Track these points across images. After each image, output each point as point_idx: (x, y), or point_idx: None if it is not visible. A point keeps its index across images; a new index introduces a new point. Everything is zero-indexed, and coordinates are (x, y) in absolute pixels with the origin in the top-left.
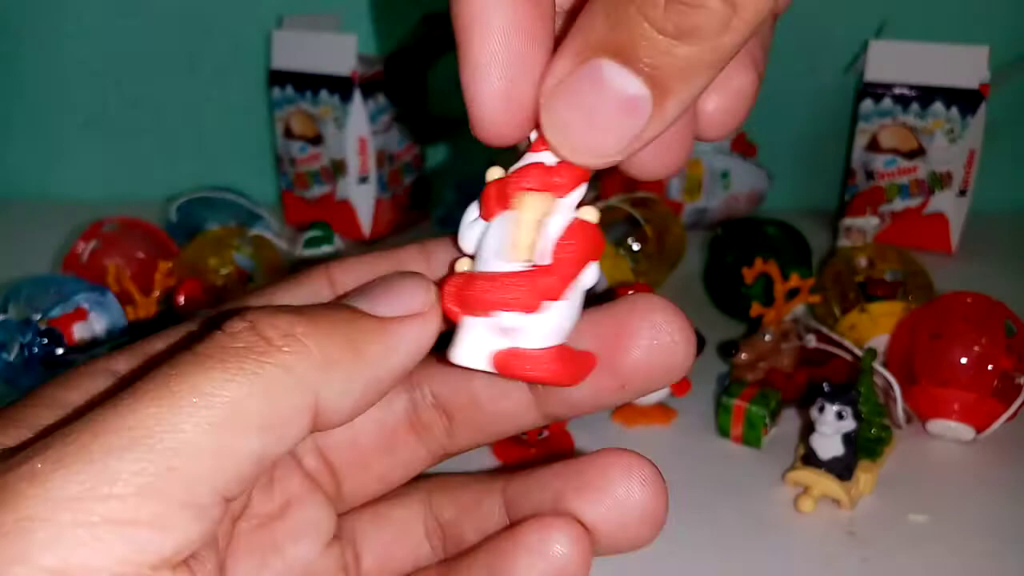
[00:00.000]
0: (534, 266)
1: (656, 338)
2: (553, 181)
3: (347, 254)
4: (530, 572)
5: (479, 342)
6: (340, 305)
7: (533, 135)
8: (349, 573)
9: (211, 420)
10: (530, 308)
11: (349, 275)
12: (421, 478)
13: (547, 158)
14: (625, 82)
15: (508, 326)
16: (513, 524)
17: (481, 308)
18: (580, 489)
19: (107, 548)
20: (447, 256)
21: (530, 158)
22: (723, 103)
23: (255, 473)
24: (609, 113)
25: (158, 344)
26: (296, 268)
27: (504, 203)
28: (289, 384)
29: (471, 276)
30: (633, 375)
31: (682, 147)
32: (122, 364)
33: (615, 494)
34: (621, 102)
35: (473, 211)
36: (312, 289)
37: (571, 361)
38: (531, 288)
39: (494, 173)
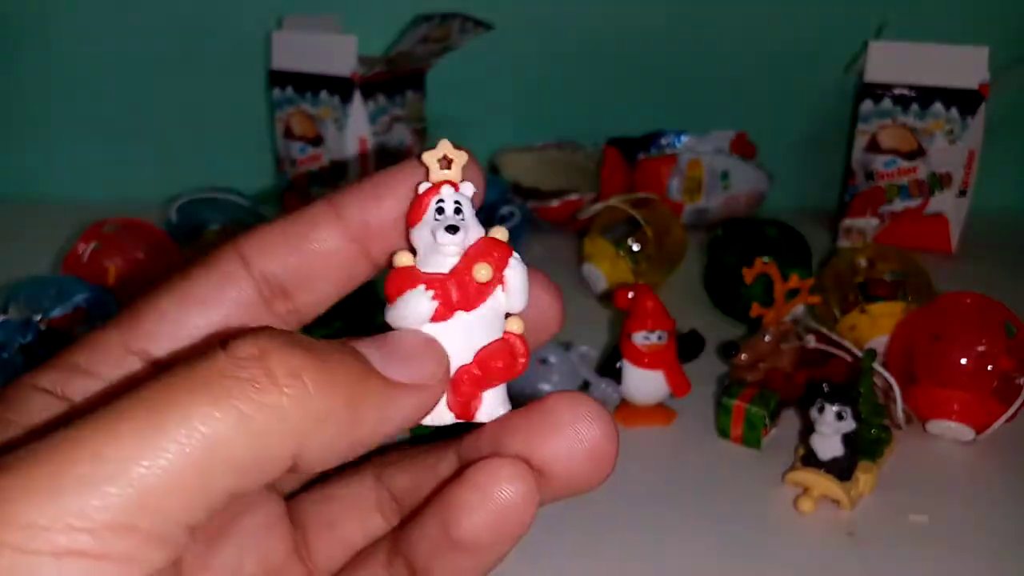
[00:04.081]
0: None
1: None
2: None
3: None
4: (477, 513)
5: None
6: (352, 351)
7: (422, 187)
8: (300, 553)
9: (192, 458)
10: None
11: (263, 252)
12: (370, 454)
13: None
14: None
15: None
16: (460, 471)
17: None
18: (529, 432)
19: None
20: (358, 211)
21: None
22: None
23: (224, 507)
24: None
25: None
26: None
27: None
28: (280, 433)
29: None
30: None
31: None
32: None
33: (564, 432)
34: None
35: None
36: (226, 272)
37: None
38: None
39: (403, 259)
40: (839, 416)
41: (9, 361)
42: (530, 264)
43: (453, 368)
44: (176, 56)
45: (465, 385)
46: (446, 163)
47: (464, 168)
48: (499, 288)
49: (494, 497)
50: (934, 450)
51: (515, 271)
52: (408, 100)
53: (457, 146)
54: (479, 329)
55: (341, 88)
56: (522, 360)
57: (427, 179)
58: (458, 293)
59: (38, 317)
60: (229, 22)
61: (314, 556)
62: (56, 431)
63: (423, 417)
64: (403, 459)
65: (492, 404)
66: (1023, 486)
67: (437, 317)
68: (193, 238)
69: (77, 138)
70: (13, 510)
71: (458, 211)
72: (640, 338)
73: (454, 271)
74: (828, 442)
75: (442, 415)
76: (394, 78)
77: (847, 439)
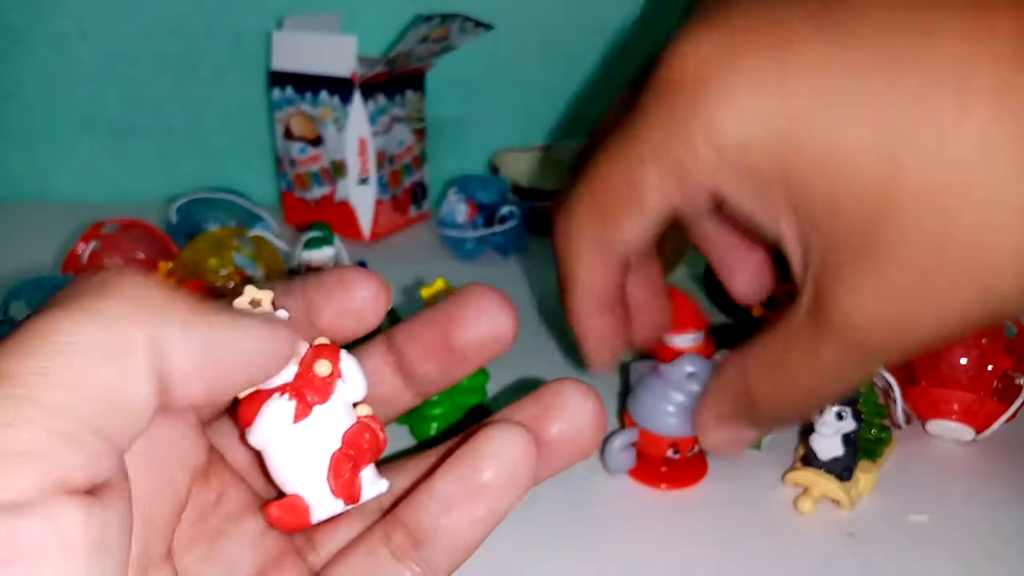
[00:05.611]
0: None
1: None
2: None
3: (348, 255)
4: (497, 458)
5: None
6: None
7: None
8: (299, 546)
9: (64, 354)
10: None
11: None
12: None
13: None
14: None
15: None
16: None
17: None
18: (540, 414)
19: (6, 477)
20: None
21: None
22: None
23: (117, 408)
24: None
25: None
26: (298, 272)
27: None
28: (128, 316)
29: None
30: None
31: None
32: None
33: (571, 410)
34: None
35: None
36: None
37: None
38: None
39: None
40: (839, 416)
41: None
42: (484, 283)
43: (325, 459)
44: (176, 56)
45: (344, 468)
46: (256, 303)
47: (272, 301)
48: (339, 381)
49: (511, 446)
50: (934, 450)
51: (349, 363)
52: (408, 100)
53: (260, 288)
54: (337, 418)
55: (341, 88)
56: (382, 435)
57: None
58: (310, 390)
59: None
60: (229, 22)
61: (319, 549)
62: None
63: (276, 353)
64: (401, 463)
65: (372, 481)
66: (1023, 486)
67: (299, 416)
68: (192, 239)
69: (77, 138)
70: None
71: None
72: (681, 340)
73: (298, 375)
74: (828, 442)
75: (331, 505)
76: (394, 78)
77: (847, 439)
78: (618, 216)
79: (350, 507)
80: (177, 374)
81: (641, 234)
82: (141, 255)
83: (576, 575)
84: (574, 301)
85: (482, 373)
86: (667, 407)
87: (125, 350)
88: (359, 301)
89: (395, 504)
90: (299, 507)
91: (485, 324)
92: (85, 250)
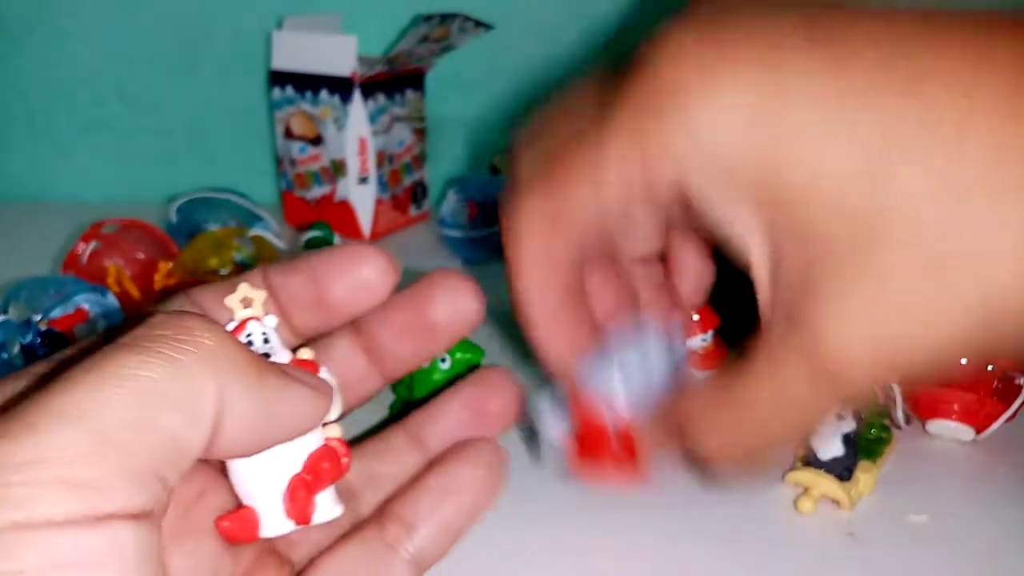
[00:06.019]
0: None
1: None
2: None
3: None
4: (477, 467)
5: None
6: None
7: (228, 327)
8: (277, 550)
9: (134, 396)
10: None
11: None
12: None
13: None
14: None
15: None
16: (446, 454)
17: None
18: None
19: (62, 504)
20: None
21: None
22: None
23: (174, 453)
24: None
25: (72, 351)
26: None
27: None
28: (202, 371)
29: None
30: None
31: None
32: (43, 369)
33: (498, 400)
34: None
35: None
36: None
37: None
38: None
39: None
40: (839, 416)
41: (9, 362)
42: (447, 268)
43: (285, 479)
44: (176, 56)
45: (300, 491)
46: (248, 303)
47: (264, 303)
48: None
49: (488, 453)
50: (934, 450)
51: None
52: (408, 100)
53: (254, 287)
54: (303, 440)
55: (341, 88)
56: (345, 460)
57: (232, 319)
58: None
59: (38, 317)
60: (229, 22)
61: (296, 549)
62: (14, 404)
63: (320, 416)
64: (374, 447)
65: (326, 505)
66: (1023, 486)
67: None
68: (193, 238)
69: (77, 138)
70: None
71: (266, 341)
72: (698, 342)
73: None
74: (828, 442)
75: (281, 525)
76: (394, 78)
77: (847, 439)
78: (574, 186)
79: (300, 528)
80: (228, 432)
81: (594, 211)
82: (141, 255)
83: (572, 573)
84: (520, 286)
85: (478, 354)
86: (613, 372)
87: (194, 403)
88: (370, 275)
89: (387, 501)
90: (249, 521)
91: (455, 302)
92: (85, 250)
